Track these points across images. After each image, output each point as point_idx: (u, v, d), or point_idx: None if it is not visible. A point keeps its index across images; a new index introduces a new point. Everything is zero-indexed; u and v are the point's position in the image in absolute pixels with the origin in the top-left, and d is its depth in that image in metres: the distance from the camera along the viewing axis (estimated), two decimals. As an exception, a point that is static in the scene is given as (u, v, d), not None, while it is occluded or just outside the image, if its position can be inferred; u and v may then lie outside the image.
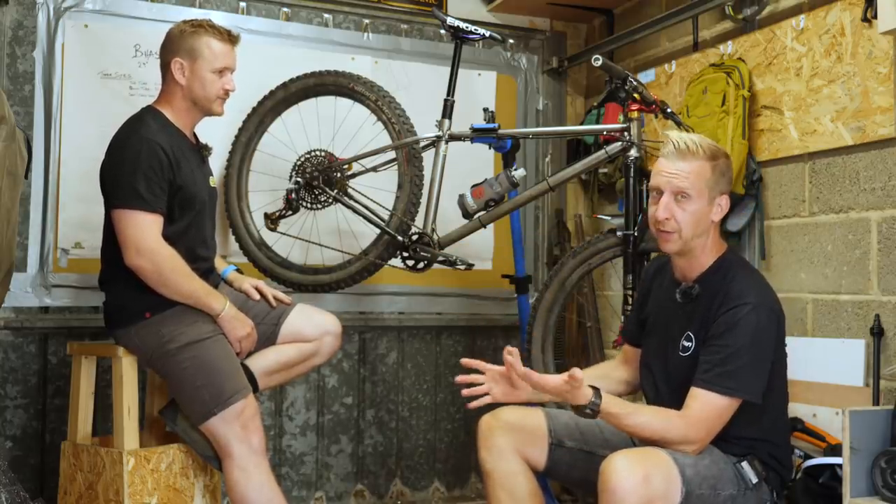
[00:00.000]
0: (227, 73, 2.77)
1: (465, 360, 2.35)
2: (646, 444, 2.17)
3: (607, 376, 2.51)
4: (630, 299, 2.82)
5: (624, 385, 2.52)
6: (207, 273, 2.80)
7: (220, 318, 2.67)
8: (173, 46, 2.75)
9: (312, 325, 2.88)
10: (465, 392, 2.33)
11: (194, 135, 2.85)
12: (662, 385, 2.32)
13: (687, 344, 2.26)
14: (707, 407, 2.13)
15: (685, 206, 2.22)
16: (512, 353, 2.26)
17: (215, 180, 2.94)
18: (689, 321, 2.27)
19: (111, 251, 2.69)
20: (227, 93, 2.78)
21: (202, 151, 2.84)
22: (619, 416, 2.14)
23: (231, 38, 2.79)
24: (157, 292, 2.62)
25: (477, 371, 2.32)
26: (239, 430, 2.58)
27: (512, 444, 2.34)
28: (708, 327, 2.20)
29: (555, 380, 2.14)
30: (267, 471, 2.63)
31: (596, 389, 2.14)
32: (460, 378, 2.34)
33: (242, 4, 3.64)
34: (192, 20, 2.80)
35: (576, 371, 2.08)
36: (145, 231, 2.59)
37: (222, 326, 2.68)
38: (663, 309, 2.38)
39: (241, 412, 2.58)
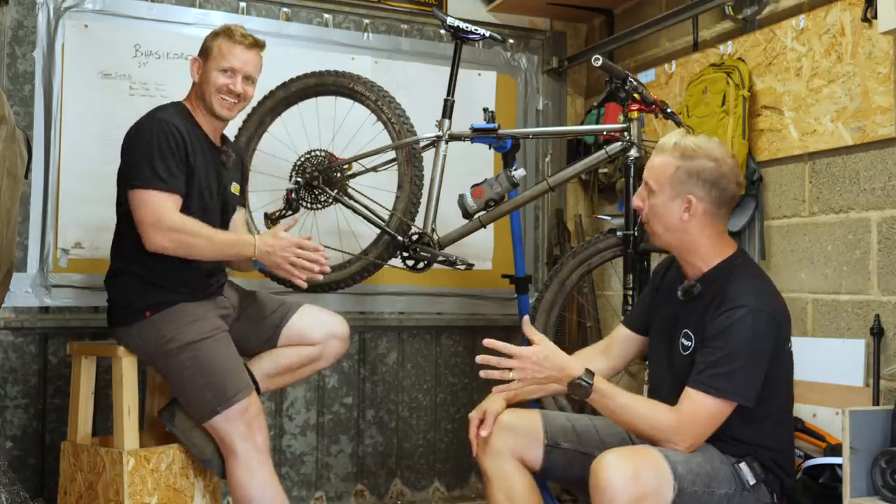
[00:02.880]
0: (236, 75, 2.74)
1: (487, 341, 2.21)
2: (641, 442, 2.17)
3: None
4: (630, 299, 2.82)
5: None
6: (215, 272, 2.79)
7: (257, 256, 2.63)
8: (200, 48, 2.79)
9: (318, 328, 2.85)
10: (483, 374, 2.21)
11: (222, 138, 2.85)
12: (664, 381, 2.32)
13: (686, 343, 2.26)
14: (697, 407, 2.13)
15: (649, 199, 2.30)
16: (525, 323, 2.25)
17: (239, 187, 2.91)
18: (689, 319, 2.28)
19: (122, 240, 2.70)
20: (229, 92, 2.73)
21: (222, 156, 2.83)
22: (610, 395, 2.16)
23: (244, 39, 2.76)
24: (157, 291, 2.63)
25: (497, 353, 2.20)
26: (243, 428, 2.57)
27: (508, 446, 2.35)
28: (705, 327, 2.20)
29: (528, 349, 2.17)
30: (270, 470, 2.63)
31: (588, 370, 2.18)
32: (481, 358, 2.21)
33: (242, 4, 3.64)
34: (224, 25, 2.82)
35: (533, 331, 2.16)
36: (163, 210, 2.58)
37: (264, 263, 2.64)
38: (668, 305, 2.39)
39: (245, 410, 2.58)
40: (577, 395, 2.17)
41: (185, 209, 2.64)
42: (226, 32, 2.76)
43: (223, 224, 2.84)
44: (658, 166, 2.28)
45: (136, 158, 2.61)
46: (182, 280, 2.66)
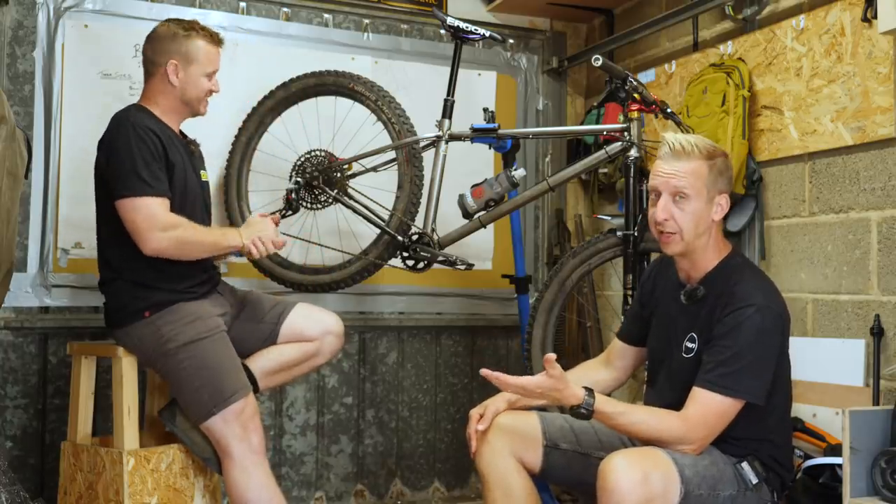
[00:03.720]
0: (214, 76, 2.80)
1: (484, 371, 2.21)
2: (643, 445, 2.17)
3: (586, 378, 2.46)
4: (630, 299, 2.82)
5: (600, 387, 2.44)
6: (208, 267, 2.79)
7: (245, 248, 2.70)
8: (167, 47, 2.75)
9: (314, 325, 2.87)
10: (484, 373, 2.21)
11: (181, 132, 2.87)
12: (665, 386, 2.32)
13: (690, 345, 2.26)
14: (707, 407, 2.12)
15: (684, 207, 2.22)
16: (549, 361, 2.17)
17: (207, 174, 2.93)
18: (693, 322, 2.27)
19: (107, 252, 2.70)
20: (211, 94, 2.81)
21: (190, 146, 2.85)
22: (614, 416, 2.15)
23: (219, 41, 2.82)
24: (154, 292, 2.63)
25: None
26: (239, 429, 2.58)
27: (507, 447, 2.34)
28: (712, 328, 2.19)
29: (536, 378, 2.15)
30: (266, 471, 2.63)
31: (589, 389, 2.15)
32: (485, 372, 2.21)
33: (242, 4, 3.64)
34: (181, 21, 2.81)
35: (555, 365, 2.10)
36: (158, 212, 2.59)
37: (249, 252, 2.71)
38: (667, 310, 2.37)
39: (241, 411, 2.58)
40: (579, 419, 2.18)
41: (171, 208, 2.66)
42: (202, 34, 2.76)
43: (206, 211, 2.86)
44: (692, 172, 2.20)
45: (120, 169, 2.60)
46: (177, 278, 2.67)
